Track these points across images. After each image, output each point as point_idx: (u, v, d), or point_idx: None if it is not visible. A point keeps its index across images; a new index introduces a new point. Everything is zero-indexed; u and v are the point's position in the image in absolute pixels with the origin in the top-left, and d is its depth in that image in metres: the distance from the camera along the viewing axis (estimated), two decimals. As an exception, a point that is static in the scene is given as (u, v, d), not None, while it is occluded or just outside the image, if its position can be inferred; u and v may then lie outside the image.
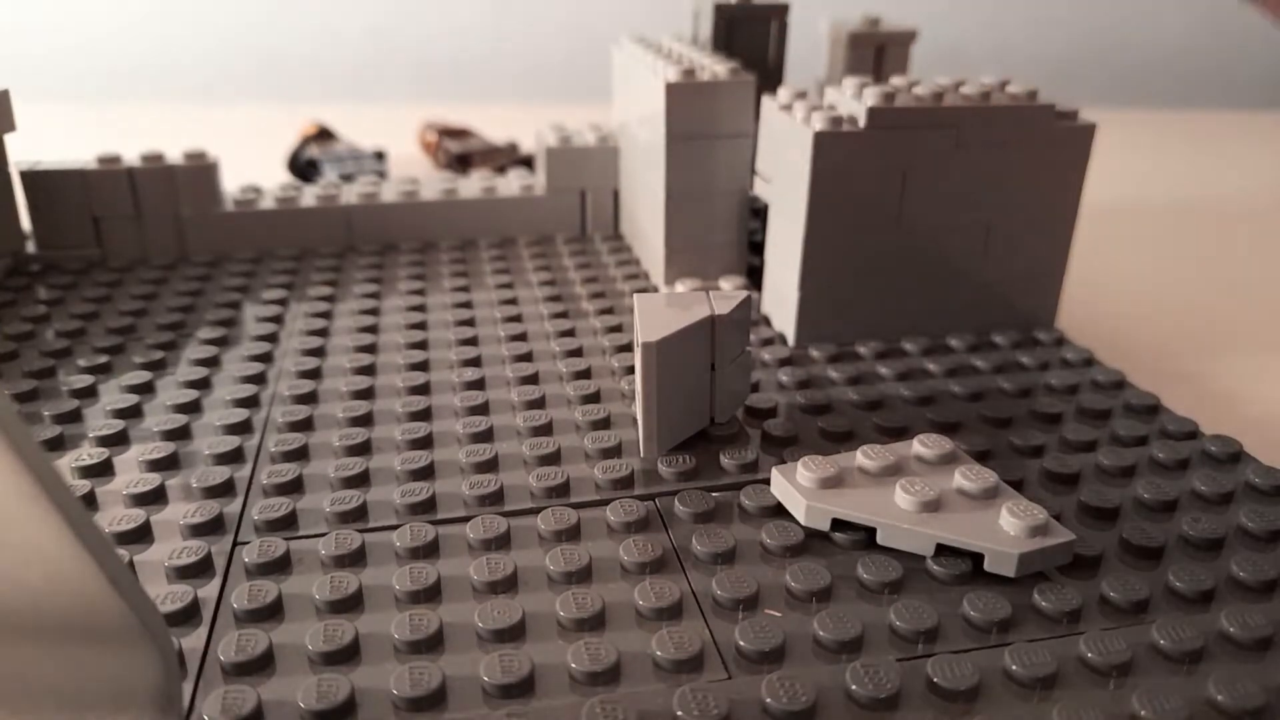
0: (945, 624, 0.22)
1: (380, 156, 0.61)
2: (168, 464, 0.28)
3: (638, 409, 0.27)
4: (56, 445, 0.29)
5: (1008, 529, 0.23)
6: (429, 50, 0.96)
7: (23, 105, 0.43)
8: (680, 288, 0.37)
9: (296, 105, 0.84)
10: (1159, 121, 0.90)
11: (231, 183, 0.47)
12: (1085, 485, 0.27)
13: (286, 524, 0.25)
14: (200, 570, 0.23)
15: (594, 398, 0.32)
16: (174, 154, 0.44)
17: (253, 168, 0.57)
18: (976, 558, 0.23)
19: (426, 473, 0.27)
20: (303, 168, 0.61)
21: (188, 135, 0.53)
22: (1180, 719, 0.19)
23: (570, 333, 0.37)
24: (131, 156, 0.44)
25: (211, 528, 0.25)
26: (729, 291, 0.29)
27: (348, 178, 0.56)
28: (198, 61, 0.95)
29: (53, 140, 0.55)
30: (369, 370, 0.34)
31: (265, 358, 0.35)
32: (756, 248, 0.40)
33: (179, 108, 0.88)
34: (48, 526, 0.14)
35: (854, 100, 0.34)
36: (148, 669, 0.16)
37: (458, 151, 0.64)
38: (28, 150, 0.45)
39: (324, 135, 0.65)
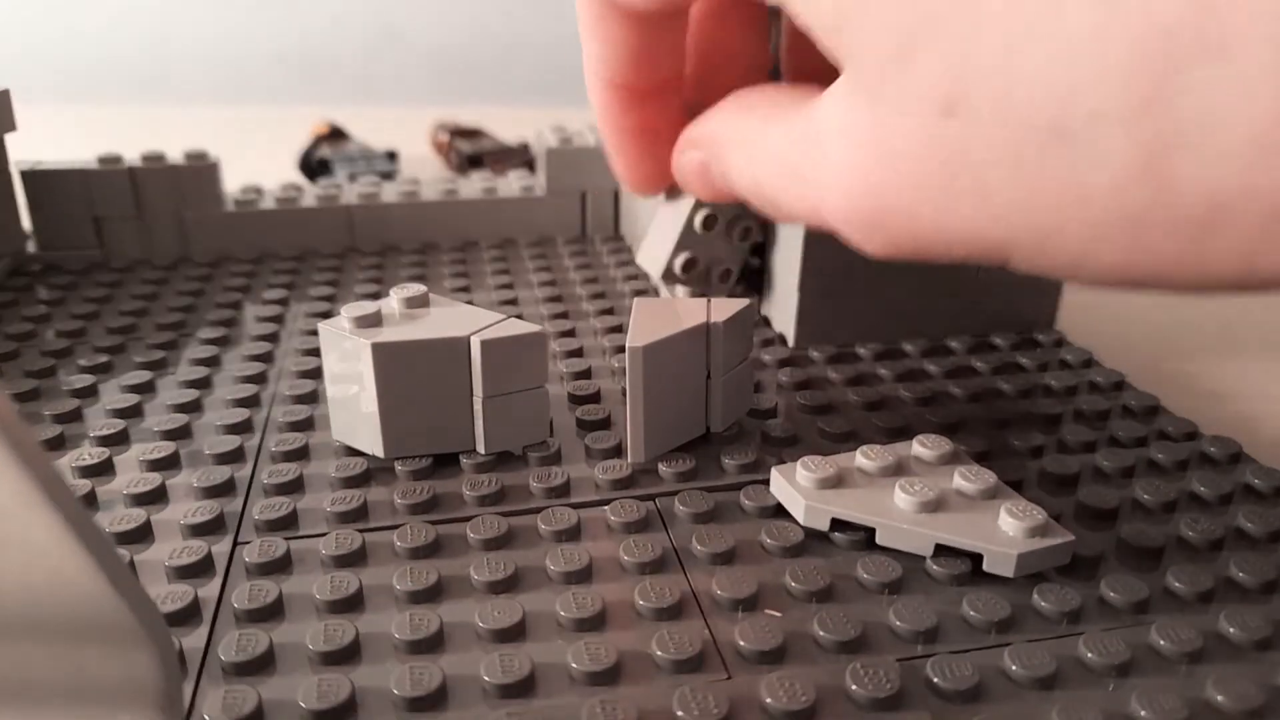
0: (944, 624, 0.22)
1: (392, 157, 0.61)
2: (168, 463, 0.28)
3: (627, 414, 0.27)
4: (57, 445, 0.29)
5: (1007, 529, 0.23)
6: (442, 51, 0.96)
7: (26, 105, 0.43)
8: (679, 290, 0.37)
9: (309, 105, 0.84)
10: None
11: (243, 182, 0.47)
12: (1084, 486, 0.27)
13: (287, 524, 0.25)
14: (201, 570, 0.23)
15: (594, 398, 0.32)
16: (176, 154, 0.45)
17: (263, 168, 0.57)
18: (975, 558, 0.23)
19: (427, 472, 0.27)
20: (314, 167, 0.61)
21: (198, 135, 0.53)
22: (1179, 720, 0.19)
23: (570, 333, 0.37)
24: (133, 156, 0.44)
25: (212, 527, 0.25)
26: (731, 299, 0.29)
27: (356, 178, 0.56)
28: (210, 62, 0.95)
29: (64, 140, 0.55)
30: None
31: (266, 357, 0.35)
32: (757, 249, 0.40)
33: (190, 109, 0.88)
34: (48, 526, 0.14)
35: (854, 101, 0.34)
36: (148, 669, 0.16)
37: (469, 152, 0.64)
38: (30, 150, 0.45)
39: (336, 135, 0.65)
